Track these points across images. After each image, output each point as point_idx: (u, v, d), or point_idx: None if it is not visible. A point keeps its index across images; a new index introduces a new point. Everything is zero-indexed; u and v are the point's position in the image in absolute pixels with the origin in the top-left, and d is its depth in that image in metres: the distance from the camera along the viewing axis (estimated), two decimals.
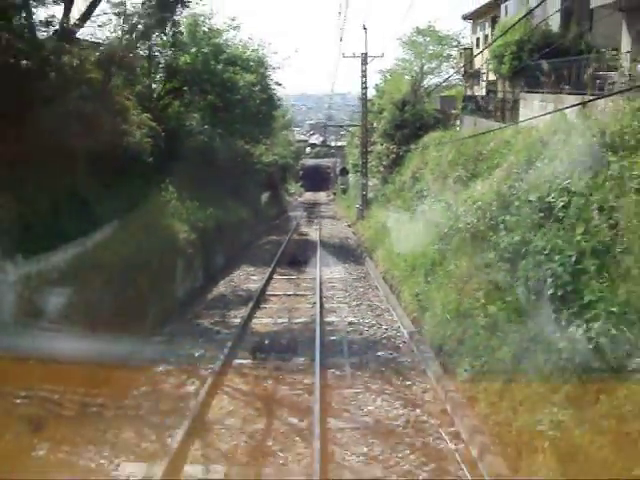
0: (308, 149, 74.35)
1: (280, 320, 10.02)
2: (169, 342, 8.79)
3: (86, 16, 10.23)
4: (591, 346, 5.23)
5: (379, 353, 8.29)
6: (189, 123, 16.87)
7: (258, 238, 21.72)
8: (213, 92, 16.82)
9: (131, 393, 6.68)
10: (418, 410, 6.39)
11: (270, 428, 5.86)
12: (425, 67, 28.42)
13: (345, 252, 18.40)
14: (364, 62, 24.77)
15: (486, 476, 4.95)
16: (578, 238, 6.54)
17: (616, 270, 5.78)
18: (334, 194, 50.21)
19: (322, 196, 53.30)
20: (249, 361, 7.88)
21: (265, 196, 28.75)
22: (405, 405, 6.48)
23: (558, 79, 14.20)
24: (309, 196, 53.86)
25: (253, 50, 19.85)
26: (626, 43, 13.67)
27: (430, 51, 27.86)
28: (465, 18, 29.78)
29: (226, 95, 16.75)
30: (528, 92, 16.15)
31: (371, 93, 31.15)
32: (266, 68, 20.01)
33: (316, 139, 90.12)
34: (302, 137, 77.59)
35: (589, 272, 6.02)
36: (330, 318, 10.12)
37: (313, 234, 23.22)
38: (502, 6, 23.68)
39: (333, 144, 72.85)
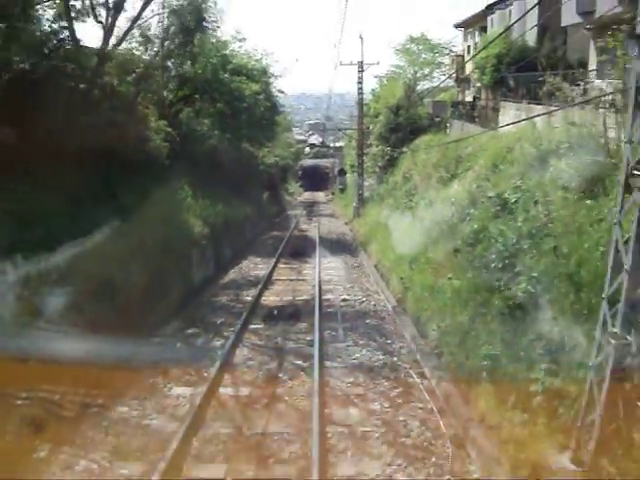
0: (307, 149, 76.02)
1: (285, 297, 12.04)
2: (194, 314, 10.76)
3: (120, 42, 12.20)
4: (519, 299, 7.24)
5: (367, 321, 10.30)
6: (200, 128, 18.85)
7: (261, 233, 23.76)
8: (222, 100, 18.80)
9: (174, 347, 8.67)
10: (395, 358, 8.38)
11: (280, 367, 7.87)
12: (418, 74, 30.41)
13: (342, 246, 20.41)
14: (360, 69, 26.79)
15: (437, 391, 6.96)
16: (519, 224, 8.55)
17: (542, 247, 7.76)
18: (333, 194, 52.17)
19: (321, 196, 55.22)
20: (261, 325, 9.88)
21: (266, 195, 30.74)
22: (384, 354, 8.48)
23: (527, 91, 16.28)
24: (308, 196, 55.81)
25: (257, 60, 21.83)
26: (593, 58, 15.70)
27: (422, 59, 29.83)
28: (457, 27, 31.84)
29: (234, 103, 18.74)
30: (506, 101, 18.19)
31: (368, 97, 33.24)
32: (269, 77, 22.01)
33: (315, 139, 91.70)
34: (301, 137, 79.08)
35: (524, 249, 8.02)
36: (327, 296, 12.12)
37: (312, 230, 25.24)
38: (488, 19, 25.77)
39: (332, 144, 74.75)
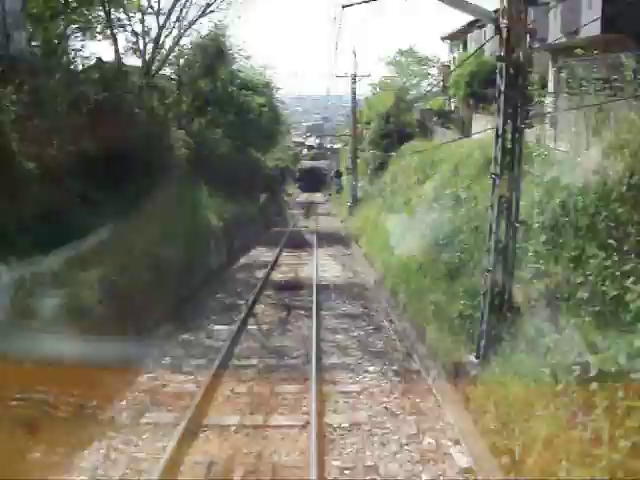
0: (305, 151, 79.19)
1: (289, 275, 15.40)
2: (219, 286, 14.07)
3: (158, 71, 15.51)
4: (455, 265, 10.54)
5: (354, 290, 13.67)
6: (212, 137, 22.14)
7: (265, 229, 27.13)
8: (231, 112, 22.14)
9: (210, 305, 12.00)
10: (371, 311, 11.72)
11: (289, 315, 11.21)
12: (407, 83, 33.82)
13: (337, 239, 23.77)
14: (353, 82, 30.17)
15: (398, 327, 10.29)
16: (462, 214, 11.87)
17: (477, 229, 11.07)
18: (330, 195, 55.50)
19: (318, 197, 58.51)
20: (272, 292, 13.22)
21: (268, 196, 34.06)
22: (364, 309, 11.86)
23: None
24: (306, 197, 59.12)
25: (261, 74, 25.21)
26: (551, 77, 19.10)
27: (410, 70, 33.27)
28: (443, 39, 35.41)
29: (242, 115, 22.08)
30: (477, 113, 21.52)
31: (362, 103, 36.63)
32: (271, 90, 25.39)
33: (313, 141, 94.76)
34: (299, 139, 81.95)
35: (463, 231, 11.33)
36: (323, 275, 15.45)
37: (311, 227, 28.63)
38: (468, 36, 29.22)
39: (329, 146, 77.91)
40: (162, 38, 14.99)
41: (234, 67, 23.95)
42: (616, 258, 6.34)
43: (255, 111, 22.47)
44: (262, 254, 19.43)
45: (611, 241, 6.59)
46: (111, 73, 13.25)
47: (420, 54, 33.44)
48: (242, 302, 12.14)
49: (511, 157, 7.52)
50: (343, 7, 10.29)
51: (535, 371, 5.98)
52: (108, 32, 15.63)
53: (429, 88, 33.68)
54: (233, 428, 6.43)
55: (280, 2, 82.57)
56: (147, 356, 8.64)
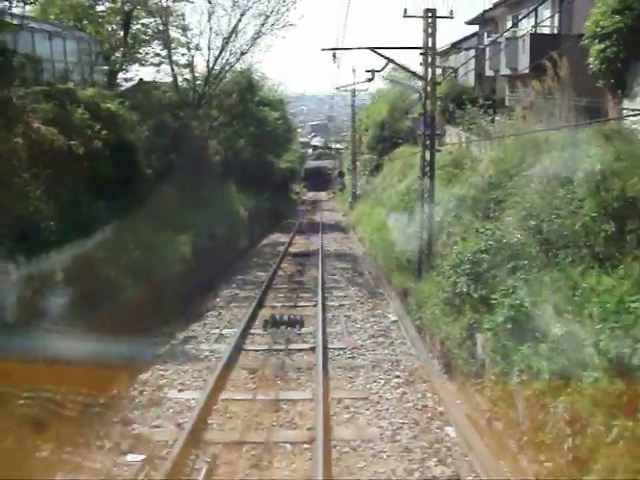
0: (310, 151, 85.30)
1: (302, 249, 21.98)
2: (252, 257, 20.59)
3: (205, 102, 22.03)
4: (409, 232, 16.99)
5: (347, 257, 20.17)
6: (237, 145, 28.64)
7: (279, 220, 33.66)
8: (252, 125, 28.65)
9: (250, 264, 18.55)
10: (358, 267, 18.22)
11: (304, 268, 17.75)
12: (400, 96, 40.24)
13: (338, 228, 30.32)
14: (353, 96, 36.66)
15: (374, 274, 16.86)
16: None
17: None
18: (334, 193, 62.00)
19: (323, 195, 64.98)
20: (291, 259, 19.75)
21: (280, 193, 40.60)
22: (353, 265, 18.41)
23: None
24: (311, 195, 65.61)
25: (276, 91, 31.74)
26: (507, 99, 25.56)
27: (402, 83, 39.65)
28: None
29: (261, 127, 28.61)
30: (449, 126, 27.93)
31: (362, 110, 43.12)
32: (284, 105, 31.94)
33: (317, 141, 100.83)
34: (304, 139, 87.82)
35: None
36: (326, 249, 21.99)
37: (317, 219, 35.15)
38: (450, 57, 35.67)
39: (334, 146, 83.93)
40: (210, 79, 21.45)
41: (254, 85, 30.41)
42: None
43: (271, 124, 28.99)
44: (279, 238, 26.02)
45: (479, 213, 13.02)
46: (178, 104, 19.77)
47: (411, 69, 39.54)
48: (272, 262, 18.68)
49: (429, 168, 14.00)
50: (322, 49, 16.26)
51: (435, 282, 12.41)
52: (165, 66, 22.19)
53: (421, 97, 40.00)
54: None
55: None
56: (221, 284, 15.18)
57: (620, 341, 5.64)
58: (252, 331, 10.87)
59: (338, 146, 75.70)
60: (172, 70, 21.11)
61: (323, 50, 15.35)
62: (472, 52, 29.76)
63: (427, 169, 14.05)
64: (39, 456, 6.07)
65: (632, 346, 5.49)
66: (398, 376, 8.65)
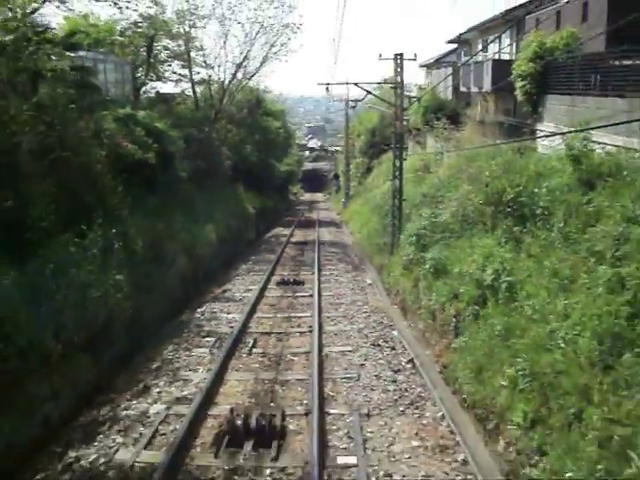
0: (307, 153, 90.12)
1: (302, 239, 27.02)
2: (260, 246, 25.58)
3: (216, 116, 27.06)
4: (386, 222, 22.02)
5: (338, 245, 25.23)
6: (244, 151, 33.60)
7: (280, 218, 38.67)
8: (257, 133, 33.63)
9: (260, 250, 23.57)
10: (347, 252, 23.26)
11: (303, 251, 22.77)
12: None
13: (332, 224, 35.36)
14: (347, 106, 41.70)
15: (359, 255, 21.92)
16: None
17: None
18: (330, 194, 67.03)
19: (319, 196, 70.03)
20: (292, 245, 24.78)
21: (280, 193, 45.61)
22: (344, 250, 23.43)
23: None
24: (309, 196, 70.64)
25: (278, 102, 36.73)
26: (465, 115, 30.57)
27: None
28: (421, 66, 47.01)
29: (265, 135, 33.61)
30: (429, 134, 32.96)
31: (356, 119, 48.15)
32: (285, 115, 36.98)
33: (314, 143, 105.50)
34: (301, 142, 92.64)
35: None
36: (322, 239, 27.01)
37: (314, 216, 40.18)
38: (434, 72, 40.75)
39: (331, 147, 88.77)
40: (225, 98, 26.49)
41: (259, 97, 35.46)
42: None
43: (273, 132, 33.95)
44: (281, 231, 31.05)
45: (432, 205, 18.02)
46: (200, 120, 24.75)
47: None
48: (277, 248, 23.68)
49: (399, 171, 19.01)
50: (318, 84, 21.43)
51: (399, 256, 17.38)
52: (184, 84, 27.19)
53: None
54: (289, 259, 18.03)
55: None
56: (239, 262, 20.17)
57: (483, 271, 10.61)
58: (269, 287, 15.87)
59: (334, 148, 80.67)
60: (193, 90, 26.11)
61: (319, 84, 20.22)
62: (450, 69, 34.87)
63: (397, 173, 19.06)
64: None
65: (488, 273, 10.44)
66: (366, 310, 13.62)
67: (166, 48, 28.14)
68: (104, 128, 14.86)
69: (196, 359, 9.95)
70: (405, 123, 32.17)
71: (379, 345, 10.82)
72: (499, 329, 8.72)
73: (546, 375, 7.04)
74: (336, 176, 59.28)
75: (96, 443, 6.90)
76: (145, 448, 6.71)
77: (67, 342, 8.77)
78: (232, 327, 11.63)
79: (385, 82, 18.70)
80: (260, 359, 9.97)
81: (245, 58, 25.84)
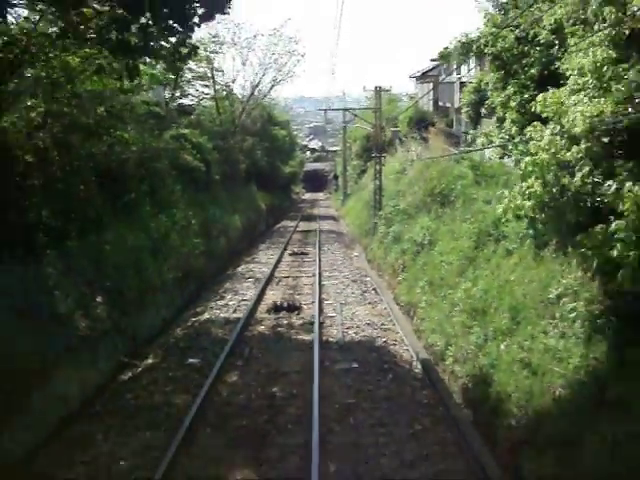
0: (308, 153, 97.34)
1: (305, 229, 34.64)
2: (270, 235, 33.11)
3: (236, 129, 34.59)
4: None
5: (335, 233, 32.80)
6: (255, 156, 41.09)
7: (285, 214, 46.22)
8: (266, 140, 41.15)
9: (273, 236, 31.15)
10: (341, 237, 30.79)
11: (307, 237, 30.32)
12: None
13: (331, 218, 42.94)
14: (344, 116, 49.22)
15: (351, 240, 29.50)
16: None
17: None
18: (330, 193, 74.54)
19: (320, 195, 77.56)
20: (299, 234, 32.31)
21: (284, 193, 53.15)
22: (339, 236, 30.96)
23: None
24: (309, 196, 78.17)
25: (283, 112, 44.26)
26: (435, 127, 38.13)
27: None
28: (410, 77, 54.60)
29: (273, 142, 41.15)
30: (413, 139, 40.45)
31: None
32: (290, 124, 44.54)
33: (315, 144, 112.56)
34: (302, 142, 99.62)
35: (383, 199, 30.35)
36: (322, 229, 34.52)
37: (315, 212, 47.74)
38: (419, 86, 48.31)
39: (331, 148, 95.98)
40: (243, 115, 34.11)
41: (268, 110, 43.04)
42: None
43: (280, 140, 41.42)
44: (288, 224, 38.62)
45: (402, 198, 25.58)
46: (224, 133, 32.22)
47: (393, 90, 52.34)
48: (286, 235, 31.20)
49: (379, 172, 26.53)
50: (318, 109, 28.94)
51: (383, 235, 24.85)
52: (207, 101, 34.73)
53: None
54: (297, 240, 25.54)
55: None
56: (258, 244, 27.67)
57: (419, 236, 18.07)
58: (284, 256, 23.42)
59: (335, 148, 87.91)
60: (217, 107, 33.64)
61: (319, 110, 27.76)
62: (431, 85, 42.45)
63: (377, 175, 26.57)
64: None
65: (420, 236, 17.91)
66: (351, 268, 21.12)
67: (190, 69, 35.67)
68: (169, 145, 22.35)
69: (246, 286, 17.45)
70: (397, 128, 40.01)
71: (356, 281, 18.35)
72: (421, 264, 16.25)
73: (435, 281, 14.53)
74: (335, 177, 66.83)
75: (206, 315, 14.39)
76: (233, 313, 14.21)
77: (172, 278, 16.24)
78: (263, 274, 19.11)
79: (368, 108, 25.83)
80: (283, 287, 17.47)
81: (260, 82, 33.45)
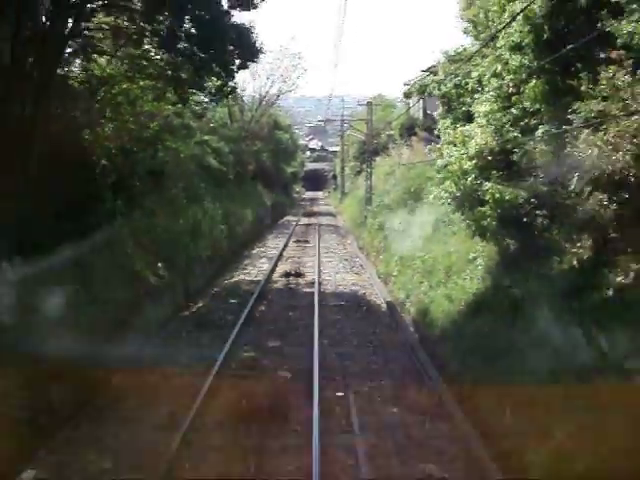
0: (308, 153, 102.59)
1: (307, 222, 40.27)
2: (276, 227, 38.75)
3: (246, 136, 40.16)
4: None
5: (333, 226, 38.42)
6: (261, 158, 46.62)
7: (287, 210, 51.86)
8: (271, 144, 46.73)
9: (278, 228, 36.79)
10: (339, 230, 36.42)
11: (309, 229, 35.98)
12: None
13: (330, 214, 48.71)
14: (341, 126, 54.88)
15: (347, 232, 35.17)
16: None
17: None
18: (329, 192, 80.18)
19: (320, 194, 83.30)
20: (302, 226, 37.94)
21: (286, 192, 58.78)
22: (335, 229, 36.56)
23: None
24: (310, 194, 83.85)
25: (286, 116, 49.89)
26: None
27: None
28: (404, 84, 60.17)
29: (277, 145, 46.75)
30: (404, 144, 46.01)
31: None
32: (291, 128, 50.13)
33: (315, 144, 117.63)
34: (302, 142, 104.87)
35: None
36: (322, 223, 40.16)
37: (315, 209, 53.46)
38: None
39: (331, 149, 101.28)
40: (252, 122, 39.72)
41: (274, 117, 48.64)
42: None
43: (284, 143, 47.03)
44: (290, 219, 44.27)
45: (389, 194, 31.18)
46: (237, 139, 37.76)
47: (388, 97, 57.93)
48: (290, 227, 36.78)
49: (370, 174, 32.11)
50: (319, 121, 34.58)
51: (371, 226, 30.43)
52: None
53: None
54: (300, 231, 31.14)
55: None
56: (267, 234, 33.28)
57: (395, 224, 23.67)
58: (289, 242, 29.01)
59: (334, 149, 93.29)
60: (230, 115, 39.20)
61: (319, 121, 33.39)
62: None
63: (368, 176, 32.15)
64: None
65: (396, 224, 23.48)
66: (344, 252, 26.71)
67: None
68: (195, 151, 27.90)
69: (261, 262, 23.10)
70: (392, 132, 45.65)
71: (347, 260, 23.99)
72: (396, 246, 21.84)
73: (405, 257, 20.11)
74: (334, 176, 72.52)
75: (235, 279, 20.00)
76: (255, 277, 19.85)
77: (204, 255, 21.79)
78: (274, 254, 24.69)
79: (361, 119, 31.33)
80: (290, 263, 23.08)
81: (267, 93, 39.05)
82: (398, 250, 21.17)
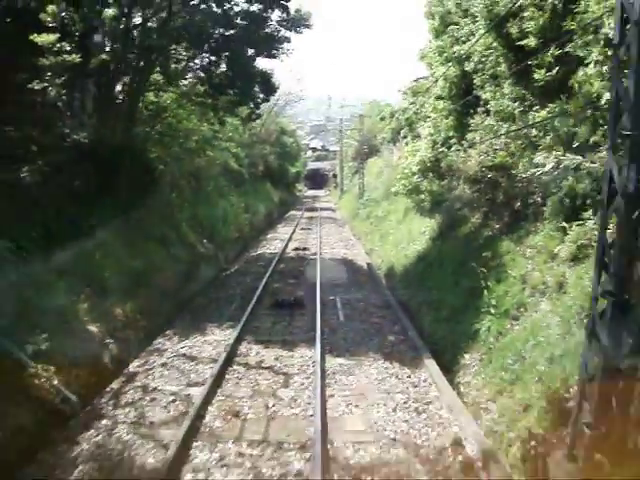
0: (309, 152, 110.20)
1: (310, 216, 48.44)
2: (284, 220, 46.84)
3: (255, 141, 48.23)
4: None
5: (332, 219, 46.55)
6: (269, 160, 54.61)
7: (291, 206, 59.93)
8: (277, 147, 54.79)
9: (287, 220, 44.95)
10: (337, 222, 44.52)
11: (312, 220, 44.10)
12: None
13: (330, 210, 56.81)
14: (340, 130, 62.94)
15: (345, 221, 43.30)
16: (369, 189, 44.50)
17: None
18: (330, 190, 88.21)
19: (321, 192, 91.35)
20: (305, 219, 46.04)
21: (289, 190, 66.84)
22: (334, 220, 44.70)
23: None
24: (311, 192, 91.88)
25: (290, 122, 57.95)
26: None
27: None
28: (399, 91, 68.24)
29: (283, 148, 54.84)
30: (398, 144, 53.98)
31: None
32: (296, 133, 58.21)
33: (316, 143, 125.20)
34: (303, 142, 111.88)
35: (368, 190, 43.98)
36: (322, 216, 48.22)
37: (317, 205, 61.60)
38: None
39: (332, 148, 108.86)
40: (262, 129, 47.83)
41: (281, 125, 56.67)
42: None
43: (288, 146, 55.05)
44: (295, 213, 52.36)
45: (379, 190, 39.27)
46: (251, 144, 45.73)
47: (382, 103, 65.86)
48: (296, 220, 44.84)
49: (362, 174, 40.18)
50: (319, 129, 42.49)
51: (361, 215, 38.45)
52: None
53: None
54: (304, 222, 39.28)
55: None
56: (276, 225, 41.36)
57: (379, 212, 31.75)
58: (296, 231, 37.11)
59: (335, 148, 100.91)
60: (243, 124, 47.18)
61: (320, 121, 41.42)
62: None
63: (361, 176, 40.21)
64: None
65: (380, 213, 31.55)
66: (341, 236, 34.76)
67: None
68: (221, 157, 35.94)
69: (275, 243, 31.23)
70: (386, 134, 53.57)
71: (342, 241, 32.09)
72: (378, 229, 30.00)
73: (384, 235, 28.23)
74: (334, 175, 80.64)
75: (252, 253, 28.17)
76: (273, 251, 28.06)
77: (233, 236, 29.85)
78: (285, 238, 32.75)
79: (354, 128, 39.30)
80: (298, 243, 31.15)
81: (274, 105, 47.11)
82: (379, 231, 29.21)
